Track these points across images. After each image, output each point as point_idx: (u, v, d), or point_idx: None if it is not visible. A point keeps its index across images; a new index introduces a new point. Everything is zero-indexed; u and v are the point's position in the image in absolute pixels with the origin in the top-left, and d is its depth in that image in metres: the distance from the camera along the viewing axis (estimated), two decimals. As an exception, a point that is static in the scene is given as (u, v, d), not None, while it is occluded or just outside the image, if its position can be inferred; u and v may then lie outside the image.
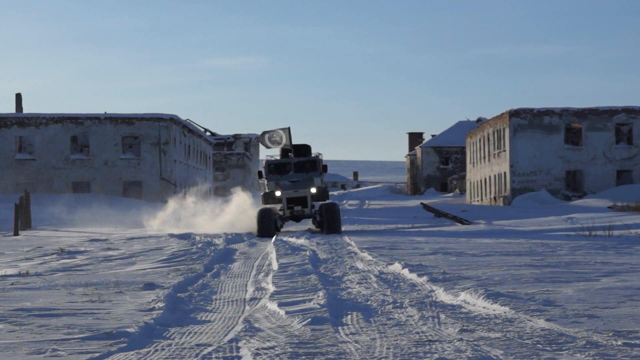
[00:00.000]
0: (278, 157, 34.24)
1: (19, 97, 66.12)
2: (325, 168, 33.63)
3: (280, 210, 33.37)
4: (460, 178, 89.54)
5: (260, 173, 34.22)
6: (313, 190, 32.94)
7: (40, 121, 60.36)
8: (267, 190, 33.49)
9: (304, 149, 34.37)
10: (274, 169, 33.56)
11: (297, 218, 33.83)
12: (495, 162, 63.82)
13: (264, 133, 33.92)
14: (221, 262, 19.15)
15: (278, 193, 32.86)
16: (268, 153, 36.20)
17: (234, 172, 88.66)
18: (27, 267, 18.25)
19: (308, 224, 35.81)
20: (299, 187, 32.88)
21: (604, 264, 16.45)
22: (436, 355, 7.89)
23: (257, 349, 8.33)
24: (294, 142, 34.67)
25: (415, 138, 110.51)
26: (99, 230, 36.25)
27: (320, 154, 34.28)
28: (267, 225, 31.51)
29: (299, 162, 33.59)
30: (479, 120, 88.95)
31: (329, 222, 31.66)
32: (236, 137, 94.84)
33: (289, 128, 33.94)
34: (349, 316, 10.49)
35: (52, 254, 21.80)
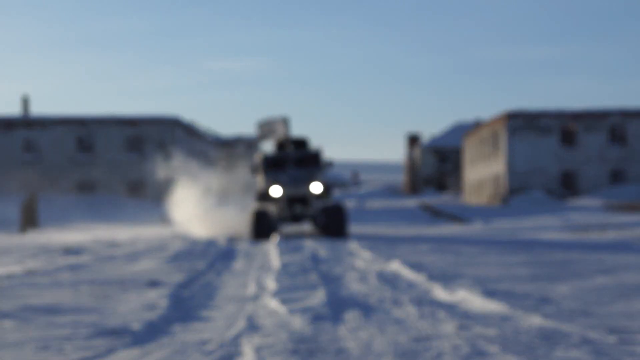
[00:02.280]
0: (282, 152, 30.05)
1: (25, 99, 66.23)
2: (329, 164, 29.98)
3: (277, 210, 29.29)
4: (458, 178, 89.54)
5: (254, 168, 29.90)
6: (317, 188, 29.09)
7: (46, 123, 60.47)
8: (262, 187, 29.61)
9: (301, 143, 30.56)
10: (270, 163, 29.57)
11: (297, 219, 29.51)
12: (492, 163, 63.93)
13: (260, 123, 30.30)
14: (223, 260, 19.26)
15: (276, 190, 29.26)
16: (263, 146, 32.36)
17: (236, 173, 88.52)
18: (34, 265, 18.36)
19: (307, 226, 32.38)
20: (300, 184, 28.90)
21: (598, 262, 16.57)
22: (434, 351, 8.02)
23: (259, 345, 8.46)
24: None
25: (413, 139, 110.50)
26: (104, 229, 36.29)
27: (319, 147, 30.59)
28: (264, 228, 27.86)
29: (299, 155, 29.60)
30: (477, 121, 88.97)
31: (335, 224, 27.87)
32: (239, 138, 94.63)
33: (285, 118, 30.38)
34: (349, 313, 10.60)
35: (58, 252, 21.88)
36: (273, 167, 29.47)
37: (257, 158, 30.03)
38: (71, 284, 14.21)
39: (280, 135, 30.14)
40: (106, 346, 8.54)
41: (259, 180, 30.17)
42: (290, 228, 32.56)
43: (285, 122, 30.07)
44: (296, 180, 29.07)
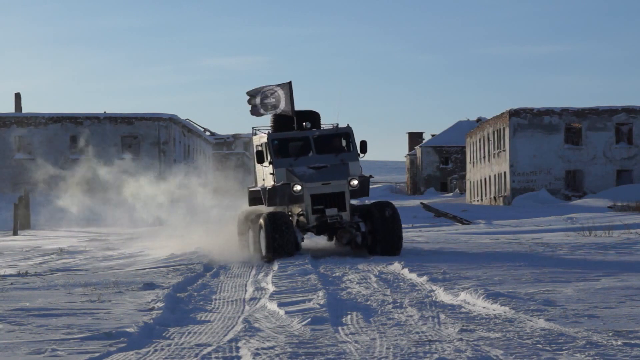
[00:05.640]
0: (284, 131, 20.67)
1: (18, 96, 66.23)
2: (363, 146, 20.78)
3: (293, 215, 20.42)
4: (460, 178, 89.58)
5: (259, 154, 20.51)
6: (353, 182, 19.95)
7: (39, 121, 60.48)
8: (274, 183, 20.03)
9: (312, 118, 20.99)
10: (280, 147, 20.26)
11: (326, 228, 19.97)
12: (495, 162, 63.84)
13: (255, 93, 21.05)
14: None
15: (298, 187, 19.68)
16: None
17: (233, 172, 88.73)
18: (27, 267, 18.25)
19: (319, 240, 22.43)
20: (330, 178, 19.81)
21: (603, 263, 16.43)
22: (436, 355, 7.88)
23: (257, 349, 8.32)
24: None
25: (415, 138, 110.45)
26: (99, 230, 36.26)
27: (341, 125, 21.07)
28: (284, 242, 18.93)
29: (322, 136, 20.39)
30: (479, 120, 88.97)
31: (388, 235, 19.48)
32: (236, 136, 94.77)
33: (289, 83, 20.84)
34: (349, 316, 10.48)
35: (52, 253, 21.79)
36: (285, 153, 20.27)
37: (259, 140, 21.00)
38: (65, 286, 14.08)
39: (282, 108, 20.82)
40: (101, 350, 8.39)
41: (261, 172, 21.31)
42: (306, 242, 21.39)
43: (287, 89, 20.84)
44: (324, 172, 20.02)
